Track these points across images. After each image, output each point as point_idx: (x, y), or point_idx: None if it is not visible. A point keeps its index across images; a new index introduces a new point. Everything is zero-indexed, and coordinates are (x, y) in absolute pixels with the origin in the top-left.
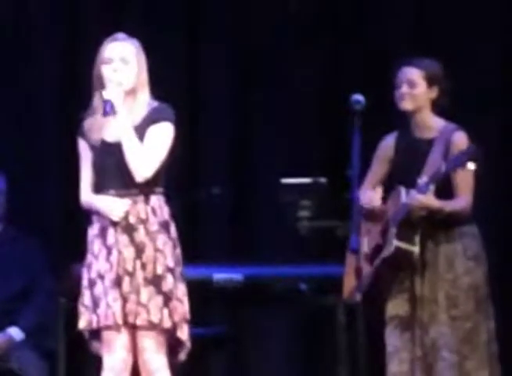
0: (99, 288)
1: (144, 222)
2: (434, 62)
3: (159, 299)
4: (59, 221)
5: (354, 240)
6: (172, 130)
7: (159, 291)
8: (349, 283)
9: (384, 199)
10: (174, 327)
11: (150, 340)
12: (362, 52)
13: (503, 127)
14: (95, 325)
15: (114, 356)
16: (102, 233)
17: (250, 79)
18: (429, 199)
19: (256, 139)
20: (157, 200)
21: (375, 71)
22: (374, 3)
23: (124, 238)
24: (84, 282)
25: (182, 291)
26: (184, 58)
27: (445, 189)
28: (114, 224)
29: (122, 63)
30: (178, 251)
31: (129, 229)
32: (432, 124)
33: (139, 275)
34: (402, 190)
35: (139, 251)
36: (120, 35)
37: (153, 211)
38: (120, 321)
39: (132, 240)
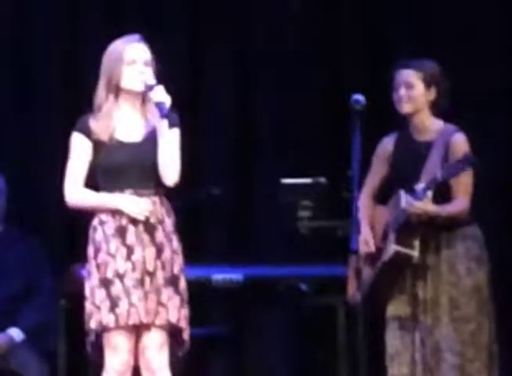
0: (117, 288)
1: (161, 222)
2: (432, 63)
3: (177, 299)
4: (60, 221)
5: (354, 241)
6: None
7: (177, 290)
8: (353, 285)
9: (385, 202)
10: (186, 327)
11: (155, 339)
12: (362, 52)
13: (503, 127)
14: (112, 325)
15: (118, 357)
16: (120, 232)
17: (251, 79)
18: (426, 205)
19: (256, 139)
20: (168, 202)
21: (375, 71)
22: (374, 3)
23: (146, 238)
24: (95, 281)
25: (187, 291)
26: (185, 58)
27: (443, 192)
28: (134, 223)
29: (145, 66)
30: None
31: (150, 229)
32: (431, 126)
33: (159, 275)
34: (403, 195)
35: (159, 251)
36: (137, 36)
37: (168, 212)
38: (145, 320)
39: (153, 240)
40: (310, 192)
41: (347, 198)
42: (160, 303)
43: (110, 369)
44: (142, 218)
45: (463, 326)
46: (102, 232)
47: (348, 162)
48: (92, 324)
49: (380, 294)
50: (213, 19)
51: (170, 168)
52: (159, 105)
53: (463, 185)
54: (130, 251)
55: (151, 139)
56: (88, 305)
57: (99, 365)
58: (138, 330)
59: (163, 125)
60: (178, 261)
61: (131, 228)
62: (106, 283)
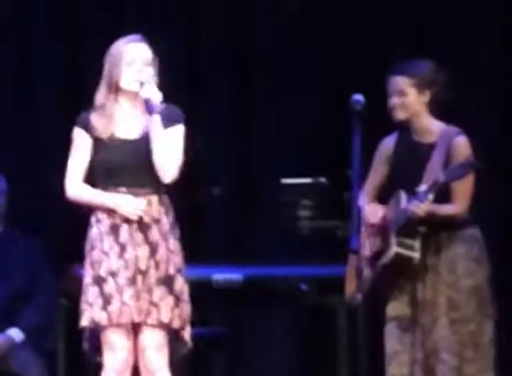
0: (110, 285)
1: (157, 221)
2: (426, 63)
3: (170, 299)
4: (60, 221)
5: (354, 241)
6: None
7: (170, 291)
8: (351, 284)
9: (385, 202)
10: (182, 327)
11: (154, 339)
12: (362, 52)
13: (503, 127)
14: (105, 323)
15: (116, 356)
16: (114, 231)
17: (251, 79)
18: (427, 207)
19: (256, 139)
20: (167, 201)
21: (375, 71)
22: (375, 3)
23: (138, 236)
24: (88, 279)
25: (187, 291)
26: (184, 58)
27: (443, 194)
28: (128, 221)
29: (144, 65)
30: (182, 252)
31: (144, 228)
32: (432, 127)
33: (152, 274)
34: (403, 195)
35: (153, 250)
36: (138, 36)
37: (166, 211)
38: (137, 319)
39: (147, 239)
40: (310, 192)
41: (347, 198)
42: (151, 303)
43: (109, 368)
44: (134, 217)
45: (462, 326)
46: (97, 229)
47: (348, 162)
48: (84, 321)
49: (380, 295)
50: (213, 19)
51: (164, 165)
52: (147, 101)
53: (463, 189)
54: (123, 249)
55: (148, 137)
56: (81, 303)
57: (97, 364)
58: (136, 330)
59: (154, 122)
60: (175, 261)
61: (124, 226)
62: (99, 281)
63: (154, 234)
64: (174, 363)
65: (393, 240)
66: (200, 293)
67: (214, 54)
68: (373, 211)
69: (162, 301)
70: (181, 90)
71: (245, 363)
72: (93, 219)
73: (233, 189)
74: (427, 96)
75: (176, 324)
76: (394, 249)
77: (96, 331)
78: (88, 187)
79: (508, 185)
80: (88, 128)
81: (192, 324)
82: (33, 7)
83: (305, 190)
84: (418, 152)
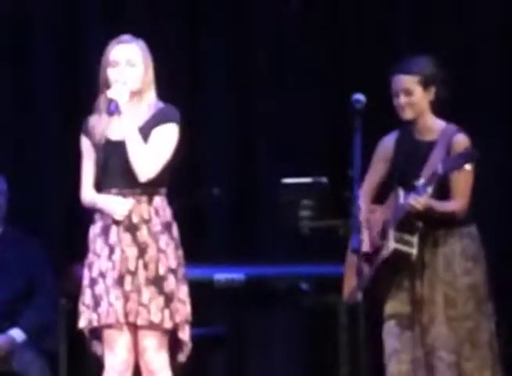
0: (100, 287)
1: (147, 222)
2: (427, 60)
3: (160, 300)
4: (60, 221)
5: (355, 240)
6: (177, 131)
7: (160, 291)
8: (349, 283)
9: (383, 201)
10: (176, 327)
11: (152, 340)
12: (362, 52)
13: (504, 127)
14: (95, 324)
15: (116, 356)
16: (105, 232)
17: (251, 79)
18: (425, 200)
19: (257, 139)
20: (161, 201)
21: (375, 71)
22: (374, 2)
23: (126, 237)
24: (85, 281)
25: (184, 292)
26: (184, 58)
27: (443, 192)
28: (117, 223)
29: (128, 66)
30: (181, 252)
31: (132, 229)
32: (433, 126)
33: (141, 275)
34: (401, 192)
35: (142, 250)
36: (126, 37)
37: (156, 211)
38: (122, 319)
39: (135, 240)
40: (311, 191)
41: (347, 198)
42: (140, 303)
43: (109, 368)
44: (120, 218)
45: (460, 324)
46: (92, 231)
47: (349, 162)
48: (82, 323)
49: (379, 292)
50: (212, 18)
51: (137, 165)
52: (109, 101)
53: (463, 185)
54: (111, 250)
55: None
56: (79, 304)
57: (98, 364)
58: (135, 331)
59: (123, 123)
60: (165, 261)
61: (113, 227)
62: (92, 283)
63: (143, 235)
64: (174, 364)
65: (391, 235)
66: (202, 293)
67: (214, 54)
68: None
69: (151, 301)
70: (181, 90)
71: (246, 362)
72: (91, 221)
73: (233, 189)
74: (431, 93)
75: (168, 324)
76: (393, 245)
77: (95, 331)
78: (93, 192)
79: (506, 184)
80: (88, 133)
81: (193, 324)
82: (33, 8)
83: (306, 190)
84: (418, 150)
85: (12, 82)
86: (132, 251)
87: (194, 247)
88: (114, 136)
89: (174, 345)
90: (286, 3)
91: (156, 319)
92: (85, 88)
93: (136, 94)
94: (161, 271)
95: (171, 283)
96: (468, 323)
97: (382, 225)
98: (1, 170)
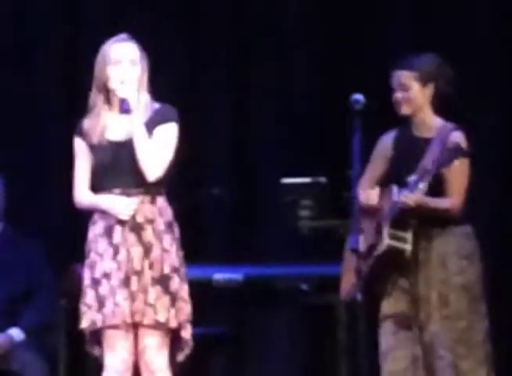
0: (104, 287)
1: (151, 221)
2: (429, 57)
3: (166, 299)
4: (60, 221)
5: (354, 240)
6: (177, 130)
7: (166, 290)
8: (347, 282)
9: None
10: (179, 326)
11: (153, 339)
12: (362, 52)
13: (503, 127)
14: (99, 324)
15: (117, 357)
16: (108, 232)
17: (251, 79)
18: (416, 196)
19: (256, 139)
20: (163, 201)
21: (375, 71)
22: (374, 2)
23: (132, 237)
24: (87, 281)
25: (186, 291)
26: (184, 58)
27: (438, 190)
28: (121, 223)
29: (131, 64)
30: (181, 251)
31: (137, 229)
32: (431, 123)
33: (147, 274)
34: (395, 189)
35: (147, 250)
36: (125, 36)
37: (160, 211)
38: (129, 320)
39: (140, 240)
40: (310, 191)
41: (347, 198)
42: (147, 303)
43: (109, 368)
44: (125, 217)
45: (454, 323)
46: (93, 232)
47: (349, 162)
48: (84, 323)
49: (375, 289)
50: (212, 18)
51: (146, 164)
52: (121, 100)
53: (457, 183)
54: (116, 250)
55: None
56: (80, 304)
57: (97, 364)
58: (136, 330)
59: (133, 122)
60: (170, 260)
61: (117, 228)
62: (95, 283)
63: (148, 234)
64: (174, 363)
65: (385, 232)
66: (201, 293)
67: (214, 54)
68: (366, 195)
69: (158, 301)
70: (181, 90)
71: (245, 362)
72: (91, 222)
73: (233, 189)
74: (430, 90)
75: (173, 324)
76: (387, 241)
77: (96, 332)
78: (90, 194)
79: (505, 183)
80: (82, 134)
81: (193, 324)
82: (33, 8)
83: (305, 190)
84: (416, 146)
85: (13, 82)
86: (138, 251)
87: (193, 247)
88: (116, 136)
89: (173, 344)
90: (287, 3)
91: (162, 318)
92: (85, 89)
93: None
94: (166, 270)
95: (175, 283)
96: (461, 322)
97: (377, 222)
98: (1, 170)
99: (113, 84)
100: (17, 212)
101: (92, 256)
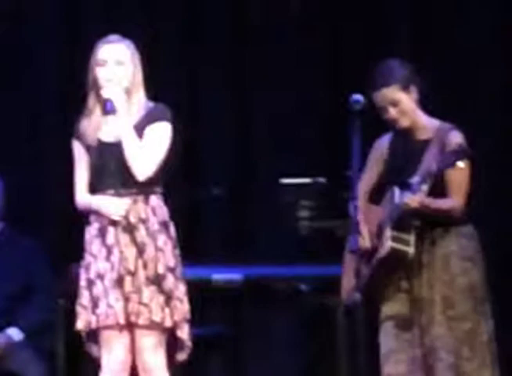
0: (98, 288)
1: (144, 221)
2: (394, 64)
3: (160, 298)
4: (59, 221)
5: (353, 241)
6: (170, 129)
7: (160, 290)
8: (347, 284)
9: (379, 201)
10: (175, 326)
11: (150, 339)
12: (362, 52)
13: (503, 127)
14: (94, 325)
15: (113, 357)
16: (102, 233)
17: (250, 78)
18: (420, 198)
19: (256, 139)
20: (157, 200)
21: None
22: (374, 2)
23: (125, 238)
24: (82, 282)
25: (182, 290)
26: (183, 57)
27: (439, 191)
28: (114, 224)
29: (116, 65)
30: (177, 251)
31: (130, 229)
32: (426, 124)
33: (141, 274)
34: (396, 191)
35: (140, 250)
36: (114, 37)
37: (153, 210)
38: (122, 321)
39: (133, 240)
40: (310, 192)
41: (346, 198)
42: (141, 303)
43: (106, 368)
44: (117, 218)
45: (458, 324)
46: (88, 233)
47: (347, 162)
48: (79, 324)
49: (376, 292)
50: (211, 18)
51: (134, 164)
52: (104, 101)
53: (458, 183)
54: (109, 251)
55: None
56: (76, 305)
57: (95, 364)
58: (132, 331)
59: (120, 123)
60: (164, 260)
61: (110, 229)
62: (90, 284)
63: (141, 234)
64: (173, 363)
65: (387, 235)
66: (200, 293)
67: (214, 54)
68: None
69: (152, 300)
70: (181, 90)
71: (243, 363)
72: (86, 223)
73: (233, 189)
74: (414, 93)
75: (168, 323)
76: (389, 244)
77: (94, 333)
78: (87, 194)
79: (506, 183)
80: (79, 136)
81: (192, 324)
82: (33, 8)
83: (305, 190)
84: (413, 149)
85: (12, 82)
86: (131, 252)
87: (192, 247)
88: (107, 137)
89: (172, 344)
90: (287, 3)
91: (157, 318)
92: (85, 89)
93: (126, 94)
94: (160, 270)
95: (170, 282)
96: (466, 323)
97: (378, 224)
98: (0, 170)
99: (100, 85)
100: (17, 212)
101: (87, 257)
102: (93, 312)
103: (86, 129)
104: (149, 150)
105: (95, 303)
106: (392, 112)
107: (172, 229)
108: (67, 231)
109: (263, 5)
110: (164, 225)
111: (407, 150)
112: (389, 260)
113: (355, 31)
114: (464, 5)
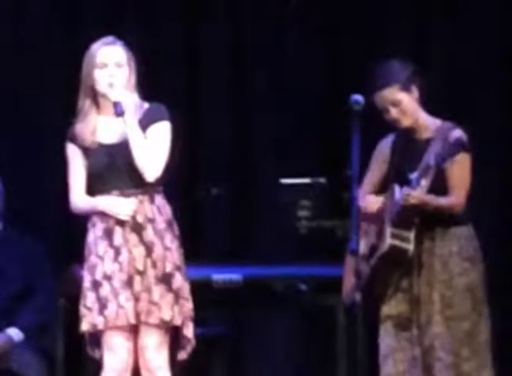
0: (105, 289)
1: (151, 221)
2: (397, 63)
3: (170, 297)
4: (59, 221)
5: (353, 241)
6: (170, 129)
7: (169, 288)
8: (348, 284)
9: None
10: (182, 324)
11: (154, 338)
12: (362, 52)
13: (503, 127)
14: (101, 327)
15: (116, 357)
16: (108, 234)
17: (250, 79)
18: (419, 193)
19: (256, 139)
20: (161, 199)
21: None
22: (374, 2)
23: (133, 237)
24: (87, 284)
25: (187, 289)
26: (184, 58)
27: (440, 188)
28: (121, 224)
29: (116, 67)
30: (182, 250)
31: (138, 229)
32: (428, 123)
33: (150, 273)
34: (396, 188)
35: (149, 249)
36: (111, 39)
37: (159, 209)
38: (132, 320)
39: (141, 240)
40: (309, 192)
41: (346, 198)
42: (151, 302)
43: (108, 368)
44: (125, 218)
45: (457, 324)
46: (92, 234)
47: (347, 162)
48: (84, 326)
49: (376, 290)
50: (211, 18)
51: (144, 165)
52: (114, 103)
53: (459, 180)
54: (117, 252)
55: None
56: (80, 307)
57: (96, 364)
58: (136, 330)
59: (127, 124)
60: (172, 258)
61: (117, 229)
62: (95, 286)
63: (149, 234)
64: (174, 363)
65: (387, 232)
66: (200, 293)
67: (213, 53)
68: (370, 202)
69: (162, 299)
70: (180, 90)
71: (243, 363)
72: (89, 224)
73: (233, 189)
74: (415, 92)
75: (177, 321)
76: (389, 241)
77: (96, 335)
78: (87, 197)
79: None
80: (73, 139)
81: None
82: (33, 8)
83: (305, 190)
84: (415, 148)
85: (12, 82)
86: (140, 251)
87: (193, 247)
88: (108, 139)
89: (175, 343)
90: (287, 3)
91: (167, 316)
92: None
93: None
94: (168, 268)
95: (178, 280)
96: (465, 323)
97: (379, 223)
98: (0, 170)
99: (101, 88)
100: (17, 212)
101: (92, 259)
102: (100, 314)
103: (82, 132)
104: (156, 150)
105: (102, 304)
106: (393, 112)
107: (176, 227)
108: (67, 231)
109: (264, 4)
110: (170, 223)
111: (409, 150)
112: (389, 257)
113: (355, 31)
114: (464, 5)
